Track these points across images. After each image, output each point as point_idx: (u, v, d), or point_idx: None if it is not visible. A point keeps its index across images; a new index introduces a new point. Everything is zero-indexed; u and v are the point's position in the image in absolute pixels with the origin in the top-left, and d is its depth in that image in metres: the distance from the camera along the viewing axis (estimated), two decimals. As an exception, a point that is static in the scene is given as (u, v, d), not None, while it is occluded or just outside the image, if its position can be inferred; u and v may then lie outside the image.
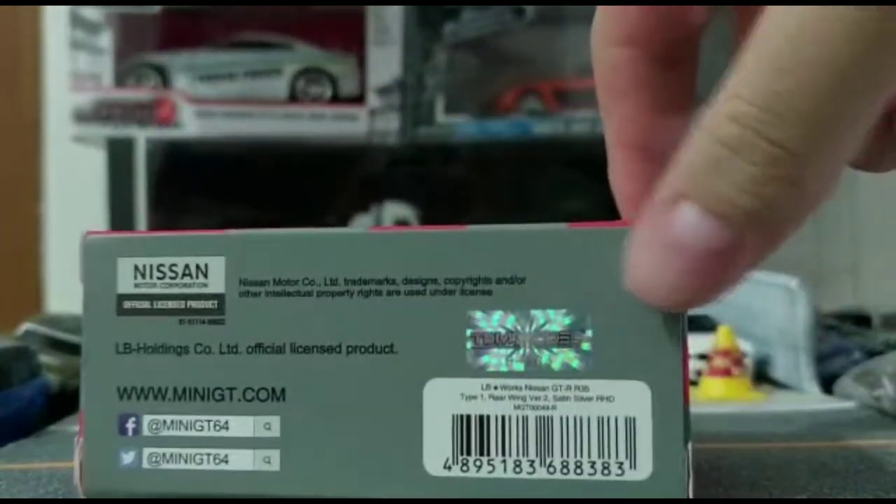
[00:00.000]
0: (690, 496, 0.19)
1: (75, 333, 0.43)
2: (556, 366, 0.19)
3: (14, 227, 1.06)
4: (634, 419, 0.19)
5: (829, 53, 0.15)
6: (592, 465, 0.19)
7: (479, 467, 0.19)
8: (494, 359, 0.19)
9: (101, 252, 0.21)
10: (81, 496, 0.20)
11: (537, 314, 0.19)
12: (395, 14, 0.95)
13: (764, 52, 0.16)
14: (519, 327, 0.19)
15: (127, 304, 0.20)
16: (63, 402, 0.37)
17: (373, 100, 0.95)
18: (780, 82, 0.16)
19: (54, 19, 1.04)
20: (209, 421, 0.20)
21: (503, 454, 0.19)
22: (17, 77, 1.08)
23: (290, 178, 0.96)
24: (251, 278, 0.20)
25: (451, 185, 0.99)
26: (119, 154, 0.93)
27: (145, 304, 0.20)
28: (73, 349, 0.42)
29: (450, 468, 0.19)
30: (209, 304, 0.20)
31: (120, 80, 0.94)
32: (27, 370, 0.35)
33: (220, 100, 0.93)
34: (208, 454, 0.20)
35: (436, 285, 0.20)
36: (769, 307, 0.44)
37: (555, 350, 0.19)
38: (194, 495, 0.20)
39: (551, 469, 0.19)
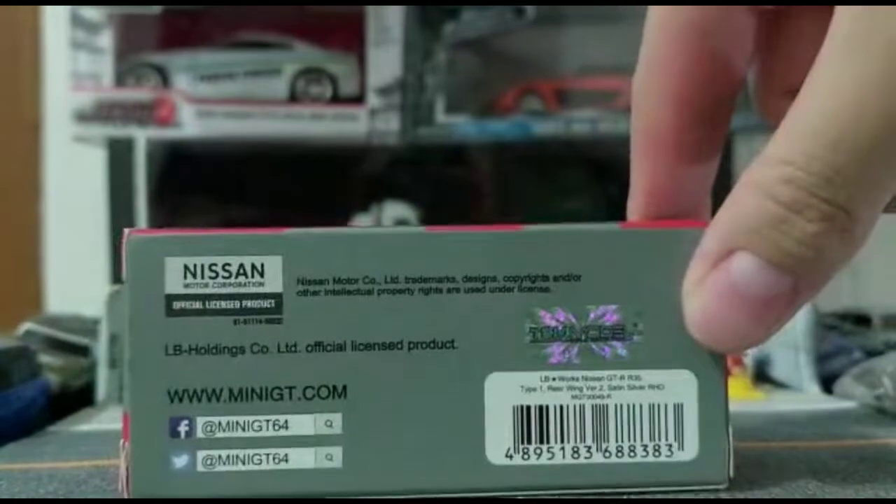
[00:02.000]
0: (731, 475, 0.21)
1: (75, 333, 0.43)
2: (610, 357, 0.21)
3: (14, 227, 1.06)
4: (682, 405, 0.21)
5: (872, 129, 0.17)
6: (645, 447, 0.20)
7: (540, 455, 0.20)
8: (552, 352, 0.21)
9: (146, 251, 0.20)
10: (125, 497, 0.20)
11: (592, 309, 0.21)
12: (395, 14, 0.95)
13: (813, 122, 0.18)
14: (575, 322, 0.21)
15: (177, 305, 0.20)
16: (63, 402, 0.37)
17: (373, 100, 0.95)
18: (831, 156, 0.17)
19: (54, 19, 1.04)
20: (268, 420, 0.20)
21: (562, 441, 0.20)
22: (17, 77, 1.08)
23: (290, 178, 0.96)
24: (310, 277, 0.20)
25: (451, 185, 0.98)
26: (119, 154, 0.93)
27: (197, 305, 0.20)
28: (74, 349, 0.42)
29: (511, 457, 0.20)
30: (266, 304, 0.20)
31: (120, 80, 0.94)
32: (27, 370, 0.35)
33: (220, 100, 0.93)
34: (267, 454, 0.20)
35: (495, 283, 0.20)
36: (769, 307, 0.44)
37: (609, 343, 0.21)
38: (254, 495, 0.20)
39: (607, 453, 0.20)
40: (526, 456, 0.20)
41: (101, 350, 0.40)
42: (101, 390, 0.40)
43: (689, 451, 0.20)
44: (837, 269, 0.19)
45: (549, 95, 0.95)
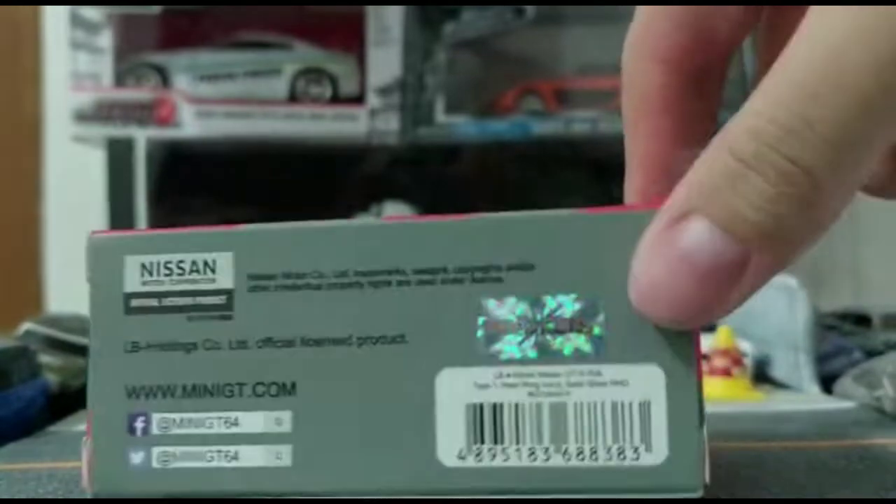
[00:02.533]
0: (707, 480, 0.18)
1: (75, 333, 0.43)
2: (568, 351, 0.19)
3: (14, 227, 1.06)
4: (649, 403, 0.19)
5: (857, 81, 0.15)
6: (608, 450, 0.19)
7: (494, 456, 0.19)
8: (507, 346, 0.19)
9: (107, 251, 0.20)
10: (89, 496, 0.20)
11: (548, 300, 0.19)
12: (395, 14, 0.95)
13: (790, 75, 0.16)
14: (530, 314, 0.19)
15: (135, 303, 0.20)
16: (63, 402, 0.37)
17: (373, 100, 0.95)
18: (803, 105, 0.16)
19: (54, 19, 1.04)
20: (219, 417, 0.20)
21: (517, 442, 0.19)
22: (17, 77, 1.08)
23: (291, 178, 0.96)
24: (260, 273, 0.20)
25: (451, 185, 0.99)
26: (119, 154, 0.93)
27: (153, 302, 0.20)
28: (74, 349, 0.42)
29: (464, 458, 0.19)
30: (218, 300, 0.20)
31: (120, 80, 0.94)
32: (27, 370, 0.35)
33: (220, 100, 0.93)
34: (219, 451, 0.20)
35: (446, 274, 0.20)
36: (769, 307, 0.44)
37: (567, 336, 0.19)
38: (205, 494, 0.20)
39: (566, 456, 0.19)
40: (479, 457, 0.19)
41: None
42: (101, 390, 0.40)
43: (658, 454, 0.19)
44: (800, 248, 0.17)
45: (549, 95, 0.95)
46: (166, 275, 0.20)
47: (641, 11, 0.21)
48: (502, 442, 0.19)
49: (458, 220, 0.20)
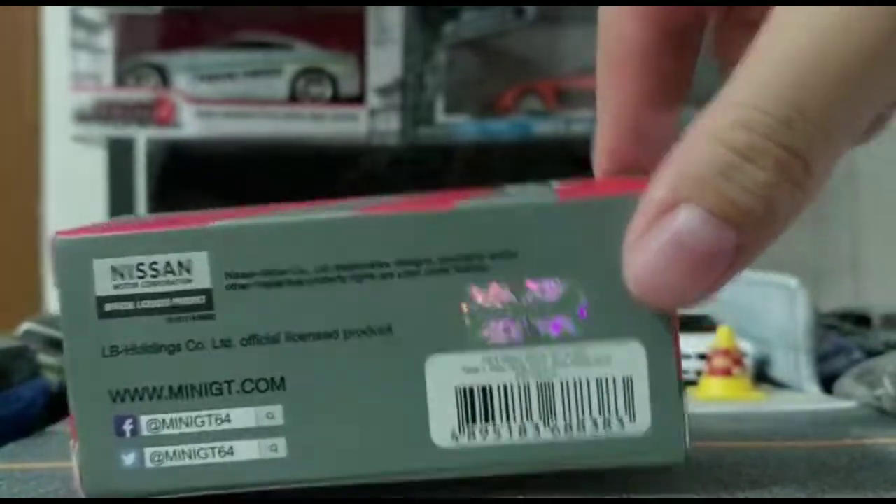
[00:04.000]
0: (688, 445, 0.20)
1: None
2: (553, 334, 0.20)
3: (14, 227, 1.06)
4: (631, 378, 0.20)
5: (842, 66, 0.16)
6: (594, 422, 0.20)
7: (486, 435, 0.20)
8: (493, 332, 0.20)
9: (73, 254, 0.20)
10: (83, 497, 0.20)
11: (532, 285, 0.20)
12: (395, 14, 0.95)
13: (773, 66, 0.17)
14: (515, 299, 0.20)
15: (108, 307, 0.20)
16: (63, 402, 0.37)
17: (373, 100, 0.95)
18: (793, 93, 0.16)
19: (54, 19, 1.03)
20: (209, 415, 0.20)
21: (508, 420, 0.20)
22: (17, 77, 1.08)
23: (291, 178, 0.96)
24: (238, 271, 0.20)
25: (451, 185, 0.98)
26: (119, 154, 0.93)
27: (128, 306, 0.20)
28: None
29: (457, 438, 0.20)
30: (196, 300, 0.20)
31: (120, 80, 0.94)
32: (27, 370, 0.35)
33: (220, 100, 0.93)
34: (212, 447, 0.20)
35: (429, 265, 0.20)
36: (769, 307, 0.44)
37: (551, 318, 0.20)
38: (204, 489, 0.20)
39: (555, 431, 0.20)
40: (472, 437, 0.20)
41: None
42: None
43: (641, 424, 0.20)
44: (784, 228, 0.18)
45: (548, 95, 0.95)
46: (140, 277, 0.20)
47: None
48: (493, 421, 0.20)
49: (440, 211, 0.20)
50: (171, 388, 0.20)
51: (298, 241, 0.20)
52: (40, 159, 1.09)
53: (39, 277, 1.07)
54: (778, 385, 0.42)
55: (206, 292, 0.20)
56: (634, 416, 0.20)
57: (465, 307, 0.20)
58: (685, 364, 0.41)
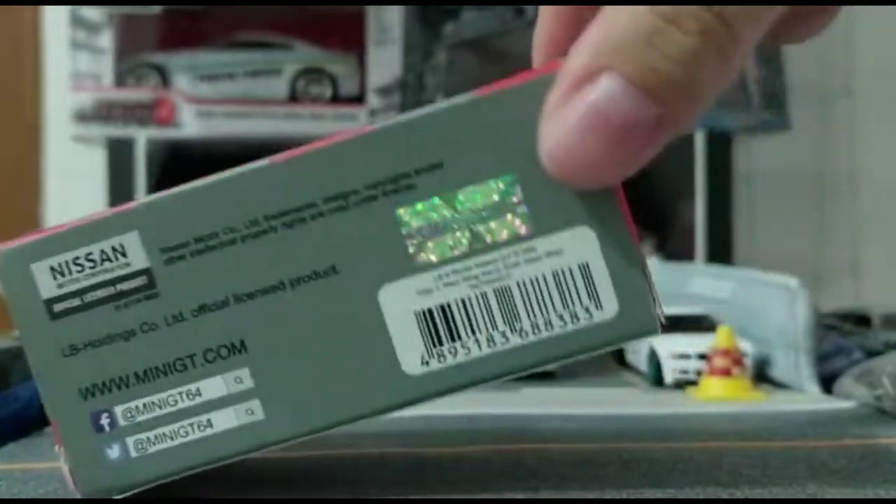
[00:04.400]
0: (662, 318, 0.19)
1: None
2: (497, 236, 0.19)
3: (14, 227, 1.06)
4: (587, 264, 0.19)
5: None
6: (561, 317, 0.19)
7: (455, 353, 0.20)
8: (437, 249, 0.20)
9: (13, 263, 0.20)
10: (79, 498, 0.20)
11: (464, 193, 0.19)
12: (395, 14, 0.95)
13: None
14: (450, 212, 0.19)
15: (57, 307, 0.20)
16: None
17: (373, 100, 0.95)
18: None
19: (54, 19, 1.04)
20: (180, 392, 0.20)
21: (474, 334, 0.20)
22: (17, 77, 1.08)
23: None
24: (170, 244, 0.20)
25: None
26: (119, 154, 0.93)
27: (76, 302, 0.20)
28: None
29: (427, 363, 0.20)
30: (139, 282, 0.20)
31: (120, 80, 0.94)
32: (26, 370, 0.35)
33: (220, 100, 0.94)
34: (191, 423, 0.20)
35: (357, 195, 0.19)
36: (769, 307, 0.44)
37: (491, 222, 0.19)
38: (194, 466, 0.20)
39: (524, 334, 0.19)
40: (442, 358, 0.20)
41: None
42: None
43: (609, 307, 0.19)
44: (706, 102, 0.17)
45: (549, 95, 0.95)
46: (79, 271, 0.20)
47: None
48: (459, 338, 0.20)
49: (353, 137, 0.20)
50: (136, 374, 0.20)
51: (221, 201, 0.20)
52: (40, 159, 1.09)
53: (39, 277, 1.07)
54: (778, 385, 0.42)
55: (146, 272, 0.20)
56: (600, 302, 0.19)
57: (403, 230, 0.19)
58: (685, 364, 0.41)
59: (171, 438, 0.20)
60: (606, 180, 0.18)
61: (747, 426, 0.30)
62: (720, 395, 0.38)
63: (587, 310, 0.19)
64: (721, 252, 0.92)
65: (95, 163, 0.95)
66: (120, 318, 0.20)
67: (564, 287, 0.19)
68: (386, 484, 0.22)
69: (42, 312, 0.20)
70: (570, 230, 0.19)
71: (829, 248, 1.05)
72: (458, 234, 0.19)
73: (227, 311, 0.20)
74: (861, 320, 0.54)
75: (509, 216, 0.19)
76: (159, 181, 0.96)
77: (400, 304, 0.19)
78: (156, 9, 0.94)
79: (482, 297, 0.19)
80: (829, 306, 0.55)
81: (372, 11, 0.95)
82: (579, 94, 0.17)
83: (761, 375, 0.43)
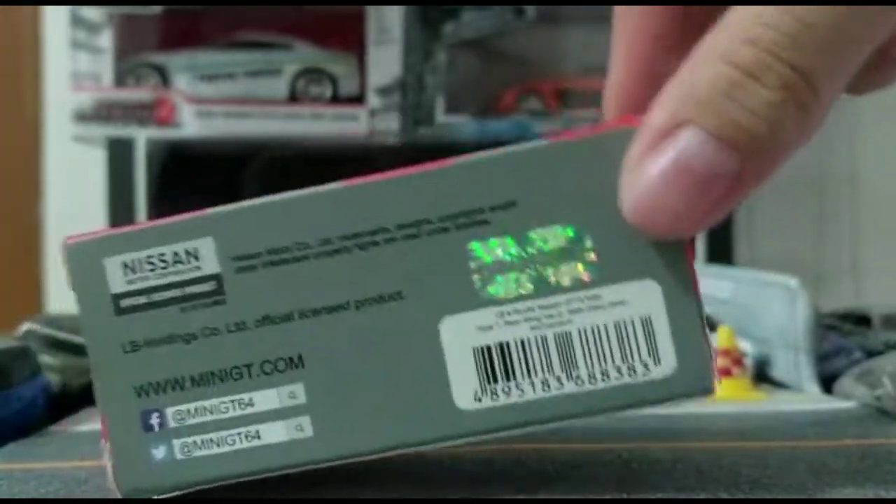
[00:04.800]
0: (715, 377, 0.19)
1: (75, 333, 0.43)
2: (563, 281, 0.19)
3: (14, 226, 1.06)
4: (650, 318, 0.19)
5: None
6: (618, 369, 0.19)
7: (509, 392, 0.20)
8: (502, 286, 0.20)
9: (85, 256, 0.20)
10: (119, 497, 0.20)
11: (536, 234, 0.19)
12: (395, 14, 0.95)
13: None
14: (520, 250, 0.20)
15: (124, 303, 0.20)
16: (63, 402, 0.37)
17: (373, 100, 0.95)
18: (803, 9, 0.16)
19: (54, 19, 1.04)
20: (233, 401, 0.20)
21: (529, 376, 0.19)
22: (17, 77, 1.08)
23: (291, 178, 0.96)
24: (243, 253, 0.20)
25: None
26: (119, 154, 0.93)
27: (143, 300, 0.20)
28: (74, 349, 0.42)
29: (480, 400, 0.20)
30: (207, 287, 0.20)
31: (120, 80, 0.94)
32: (27, 370, 0.35)
33: (220, 100, 0.93)
34: (239, 433, 0.20)
35: (430, 225, 0.20)
36: (769, 307, 0.44)
37: (559, 265, 0.19)
38: (235, 476, 0.20)
39: (579, 381, 0.19)
40: (495, 396, 0.19)
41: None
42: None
43: (667, 364, 0.19)
44: (787, 155, 0.17)
45: (549, 95, 0.95)
46: (150, 270, 0.20)
47: None
48: (514, 378, 0.20)
49: (433, 169, 0.20)
50: (192, 377, 0.20)
51: (297, 216, 0.20)
52: (40, 159, 1.09)
53: (39, 277, 1.07)
54: (778, 385, 0.42)
55: (216, 277, 0.20)
56: (658, 358, 0.19)
57: (471, 264, 0.20)
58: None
59: (218, 445, 0.20)
60: (688, 230, 0.18)
61: (747, 426, 0.30)
62: (720, 395, 0.38)
63: (645, 364, 0.19)
64: (721, 252, 0.92)
65: (95, 163, 0.95)
66: (184, 321, 0.20)
67: (625, 339, 0.19)
68: (386, 484, 0.22)
69: (108, 307, 0.20)
70: (637, 282, 0.19)
71: (829, 248, 1.05)
72: (525, 273, 0.20)
73: (290, 324, 0.20)
74: (861, 320, 0.54)
75: (577, 262, 0.19)
76: (159, 181, 0.96)
77: (460, 337, 0.20)
78: (156, 9, 0.94)
79: (542, 339, 0.20)
80: (829, 306, 0.55)
81: (372, 11, 0.95)
82: (661, 147, 0.17)
83: (761, 375, 0.43)
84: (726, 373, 0.39)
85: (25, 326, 0.44)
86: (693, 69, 0.17)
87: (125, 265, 0.20)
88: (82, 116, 0.93)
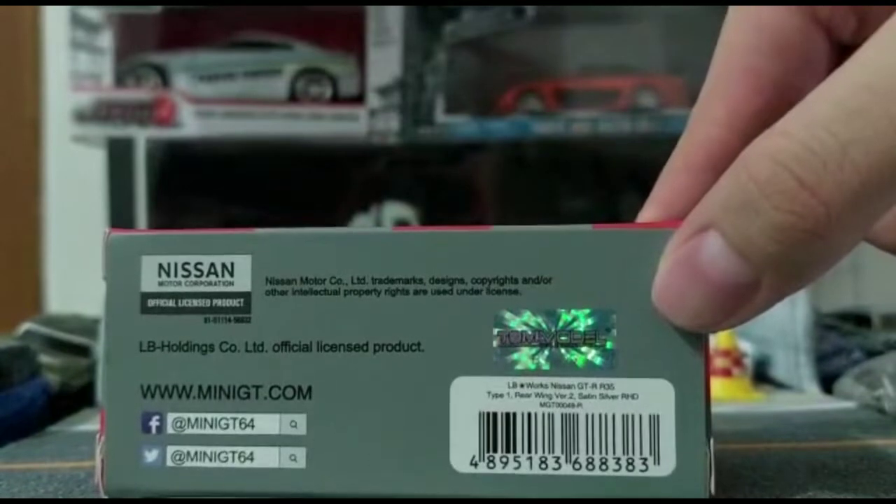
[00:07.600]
0: (712, 492, 0.19)
1: (75, 333, 0.43)
2: (581, 364, 0.20)
3: (14, 226, 1.06)
4: (658, 417, 0.19)
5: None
6: (617, 461, 0.19)
7: (506, 464, 0.20)
8: (521, 357, 0.20)
9: (125, 250, 0.21)
10: (103, 495, 0.20)
11: (563, 313, 0.20)
12: (395, 14, 0.95)
13: (833, 88, 0.14)
14: (545, 326, 0.20)
15: (151, 303, 0.20)
16: (63, 402, 0.37)
17: (373, 100, 0.95)
18: (839, 122, 0.14)
19: (54, 19, 1.03)
20: (234, 419, 0.20)
21: (529, 451, 0.20)
22: (17, 77, 1.08)
23: (290, 178, 0.96)
24: (278, 277, 0.20)
25: (451, 185, 0.98)
26: (119, 154, 0.93)
27: (170, 303, 0.20)
28: (74, 349, 0.42)
29: (476, 465, 0.20)
30: (235, 303, 0.20)
31: (120, 80, 0.94)
32: (27, 370, 0.35)
33: (220, 100, 0.93)
34: (233, 452, 0.20)
35: (463, 285, 0.20)
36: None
37: (580, 349, 0.20)
38: (218, 494, 0.20)
39: (577, 465, 0.19)
40: (491, 464, 0.20)
41: (101, 350, 0.40)
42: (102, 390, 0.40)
43: (666, 465, 0.19)
44: (813, 275, 0.17)
45: (549, 95, 0.95)
46: (184, 276, 0.20)
47: (723, 58, 0.19)
48: (514, 450, 0.20)
49: (476, 231, 0.20)
50: (200, 387, 0.20)
51: (339, 252, 0.20)
52: (40, 159, 1.09)
53: (39, 277, 1.07)
54: (778, 385, 0.42)
55: (246, 295, 0.20)
56: (659, 457, 0.19)
57: (495, 330, 0.20)
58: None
59: (210, 460, 0.20)
60: (709, 327, 0.18)
61: (747, 427, 0.30)
62: (720, 396, 0.38)
63: (644, 460, 0.19)
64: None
65: (95, 163, 0.95)
66: (205, 331, 0.20)
67: (630, 432, 0.19)
68: None
69: (135, 303, 0.20)
70: (652, 380, 0.19)
71: (829, 248, 1.05)
72: (545, 349, 0.20)
73: (307, 355, 0.20)
74: (861, 320, 0.54)
75: (598, 348, 0.20)
76: (159, 181, 0.96)
77: (469, 399, 0.20)
78: (156, 9, 0.94)
79: (549, 417, 0.20)
80: (829, 306, 0.55)
81: (372, 11, 0.95)
82: (691, 246, 0.17)
83: (761, 375, 0.43)
84: (726, 373, 0.39)
85: (25, 326, 0.44)
86: (728, 173, 0.17)
87: (161, 266, 0.20)
88: (82, 116, 0.93)
